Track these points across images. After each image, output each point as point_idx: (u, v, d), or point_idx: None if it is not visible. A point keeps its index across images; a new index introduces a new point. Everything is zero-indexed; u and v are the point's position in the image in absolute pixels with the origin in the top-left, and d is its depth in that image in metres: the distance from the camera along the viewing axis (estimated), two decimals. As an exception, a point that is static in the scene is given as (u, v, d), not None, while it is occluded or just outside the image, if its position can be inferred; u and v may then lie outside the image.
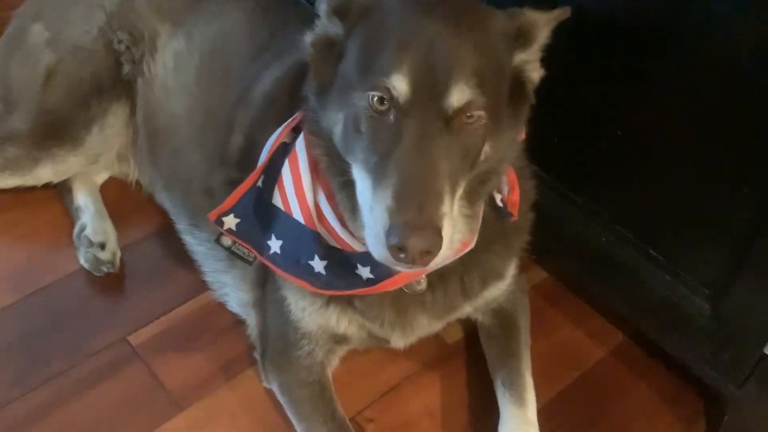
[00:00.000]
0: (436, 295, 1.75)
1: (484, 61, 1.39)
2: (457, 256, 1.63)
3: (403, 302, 1.74)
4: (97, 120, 2.14)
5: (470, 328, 2.06)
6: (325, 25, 1.50)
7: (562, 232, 2.03)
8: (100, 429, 1.85)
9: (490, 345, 1.99)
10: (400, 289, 1.69)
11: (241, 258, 1.72)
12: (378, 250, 1.35)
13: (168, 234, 2.20)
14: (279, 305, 1.82)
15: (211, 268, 2.08)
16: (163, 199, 2.23)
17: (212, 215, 1.66)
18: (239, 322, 2.02)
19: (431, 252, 1.31)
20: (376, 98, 1.37)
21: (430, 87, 1.35)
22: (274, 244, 1.67)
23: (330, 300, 1.75)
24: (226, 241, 1.71)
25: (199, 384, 1.94)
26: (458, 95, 1.35)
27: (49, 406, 1.87)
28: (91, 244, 2.10)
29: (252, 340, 1.96)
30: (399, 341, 1.85)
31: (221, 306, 2.07)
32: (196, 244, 2.11)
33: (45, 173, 2.16)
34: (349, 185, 1.49)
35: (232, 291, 2.02)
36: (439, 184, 1.33)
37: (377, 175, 1.36)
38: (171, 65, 2.10)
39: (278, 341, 1.86)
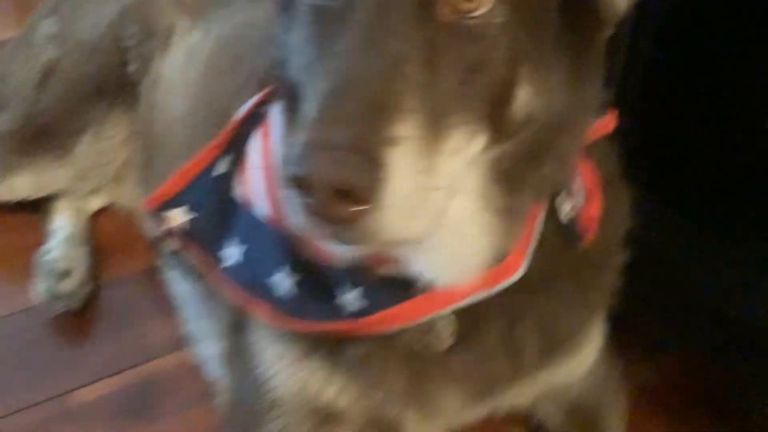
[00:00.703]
0: (468, 358, 1.14)
1: None
2: (495, 289, 1.05)
3: (420, 364, 1.15)
4: (92, 127, 1.76)
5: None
6: None
7: (683, 297, 1.37)
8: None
9: (564, 461, 1.34)
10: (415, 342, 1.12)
11: (192, 271, 1.22)
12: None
13: (156, 277, 1.73)
14: (247, 354, 1.28)
15: (191, 312, 1.59)
16: (152, 229, 1.77)
17: (151, 201, 1.18)
18: (210, 395, 1.48)
19: (358, 194, 0.75)
20: None
21: None
22: (235, 252, 1.15)
23: (312, 349, 1.19)
24: (171, 244, 1.22)
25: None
26: None
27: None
28: (50, 271, 1.66)
29: (221, 414, 1.40)
30: (418, 428, 1.23)
31: (194, 372, 1.54)
32: (180, 281, 1.63)
33: (20, 184, 1.78)
34: None
35: (207, 343, 1.51)
36: (392, 89, 0.79)
37: (307, 89, 0.87)
38: (180, 62, 1.71)
39: (245, 411, 1.30)
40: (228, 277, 1.16)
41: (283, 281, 1.11)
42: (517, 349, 1.15)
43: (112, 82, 1.77)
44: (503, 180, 0.98)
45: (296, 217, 0.82)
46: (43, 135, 1.75)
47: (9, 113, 1.78)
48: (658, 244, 1.32)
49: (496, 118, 0.90)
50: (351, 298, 1.07)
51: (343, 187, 0.75)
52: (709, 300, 1.37)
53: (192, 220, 1.18)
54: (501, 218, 0.99)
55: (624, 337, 1.33)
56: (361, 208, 0.76)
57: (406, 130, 0.79)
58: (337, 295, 1.08)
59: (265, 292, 1.12)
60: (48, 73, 1.78)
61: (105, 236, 1.88)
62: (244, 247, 1.15)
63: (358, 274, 1.06)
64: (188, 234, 1.19)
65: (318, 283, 1.09)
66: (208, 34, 1.71)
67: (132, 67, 1.76)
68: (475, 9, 0.85)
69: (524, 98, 0.92)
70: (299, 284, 1.10)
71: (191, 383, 1.54)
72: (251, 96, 1.39)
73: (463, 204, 0.96)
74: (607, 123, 1.16)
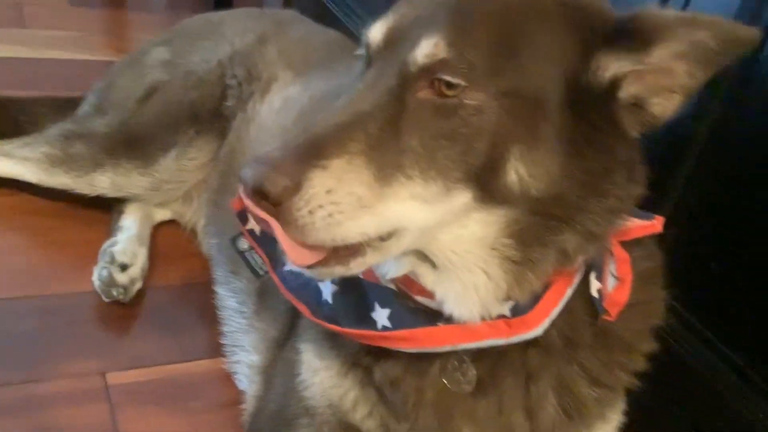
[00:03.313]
0: (489, 406, 1.26)
1: (502, 28, 1.06)
2: (512, 339, 1.16)
3: (448, 405, 1.26)
4: (179, 146, 1.95)
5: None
6: None
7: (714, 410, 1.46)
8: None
9: None
10: (445, 386, 1.24)
11: (251, 268, 1.37)
12: None
13: (204, 290, 1.87)
14: (289, 362, 1.40)
15: (233, 326, 1.72)
16: (211, 246, 1.93)
17: (236, 202, 1.33)
18: (239, 402, 1.59)
19: (270, 196, 0.97)
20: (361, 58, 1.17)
21: (403, 35, 1.09)
22: None
23: (350, 369, 1.32)
24: (243, 243, 1.37)
25: (159, 453, 1.50)
26: (425, 49, 1.04)
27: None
28: (112, 261, 1.80)
29: (243, 420, 1.51)
30: None
31: (227, 379, 1.67)
32: (228, 296, 1.77)
33: (101, 182, 1.93)
34: None
35: (247, 355, 1.63)
36: (342, 135, 1.01)
37: None
38: (277, 107, 1.91)
39: (273, 416, 1.41)
40: (280, 278, 1.31)
41: (325, 289, 1.26)
42: (534, 407, 1.25)
43: (207, 111, 1.97)
44: (518, 236, 1.11)
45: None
46: (134, 143, 1.93)
47: (108, 118, 1.98)
48: (685, 350, 1.42)
49: (484, 184, 1.06)
50: (383, 314, 1.20)
51: (259, 189, 0.97)
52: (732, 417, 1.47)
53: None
54: (511, 267, 1.12)
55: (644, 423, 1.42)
56: (269, 195, 0.97)
57: (334, 163, 0.99)
58: (371, 311, 1.21)
59: (311, 296, 1.26)
60: (151, 91, 1.99)
61: (162, 246, 2.03)
62: None
63: (393, 296, 1.20)
64: (259, 238, 1.34)
65: (357, 297, 1.23)
66: (305, 90, 1.91)
67: (229, 102, 1.97)
68: (453, 95, 1.03)
69: (517, 175, 1.06)
70: (334, 294, 1.25)
71: (221, 388, 1.66)
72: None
73: (474, 249, 1.11)
74: (652, 225, 1.31)
